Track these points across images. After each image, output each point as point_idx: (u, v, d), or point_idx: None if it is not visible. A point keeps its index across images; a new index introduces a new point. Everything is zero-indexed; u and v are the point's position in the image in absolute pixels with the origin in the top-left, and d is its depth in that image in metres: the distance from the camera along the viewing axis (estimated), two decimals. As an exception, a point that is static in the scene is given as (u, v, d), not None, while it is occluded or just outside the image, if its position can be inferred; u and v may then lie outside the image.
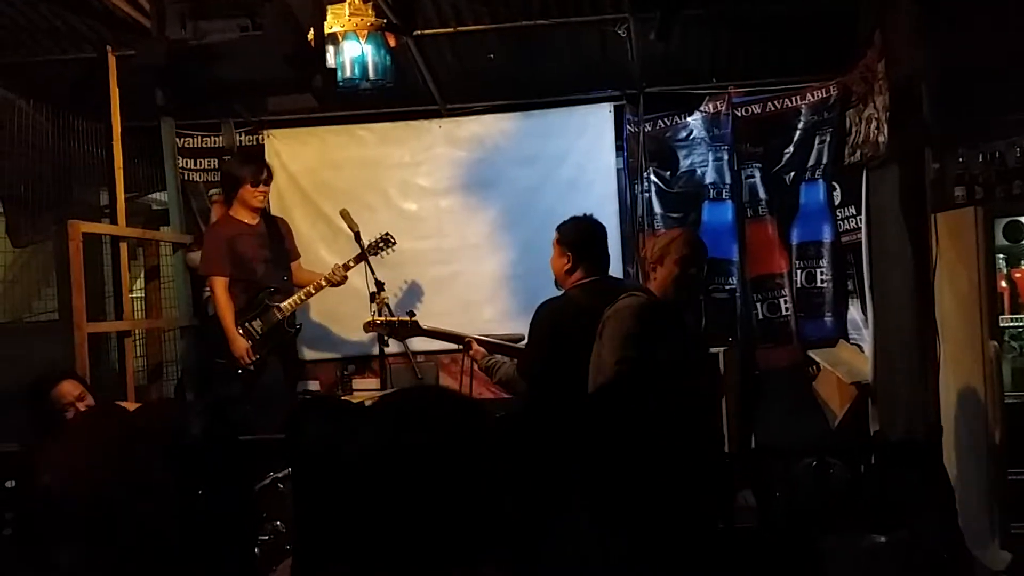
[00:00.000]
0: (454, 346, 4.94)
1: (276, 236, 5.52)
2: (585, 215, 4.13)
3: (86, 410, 3.78)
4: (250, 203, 5.38)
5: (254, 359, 5.25)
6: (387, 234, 5.53)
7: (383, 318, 5.07)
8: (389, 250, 5.53)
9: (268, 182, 5.47)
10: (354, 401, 5.40)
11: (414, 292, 6.24)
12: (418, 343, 6.04)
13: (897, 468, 3.79)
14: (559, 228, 4.10)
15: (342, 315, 6.29)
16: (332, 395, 6.30)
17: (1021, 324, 4.23)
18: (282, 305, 5.35)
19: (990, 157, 4.07)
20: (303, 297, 5.41)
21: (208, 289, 5.55)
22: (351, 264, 5.44)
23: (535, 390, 3.96)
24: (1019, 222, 4.19)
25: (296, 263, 5.68)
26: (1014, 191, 4.00)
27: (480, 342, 4.50)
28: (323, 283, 5.40)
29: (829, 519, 3.61)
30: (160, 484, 1.61)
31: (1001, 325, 4.03)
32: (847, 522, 3.51)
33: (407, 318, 5.01)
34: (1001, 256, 4.19)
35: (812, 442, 5.05)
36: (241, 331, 5.25)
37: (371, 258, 5.47)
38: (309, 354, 6.46)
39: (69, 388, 3.95)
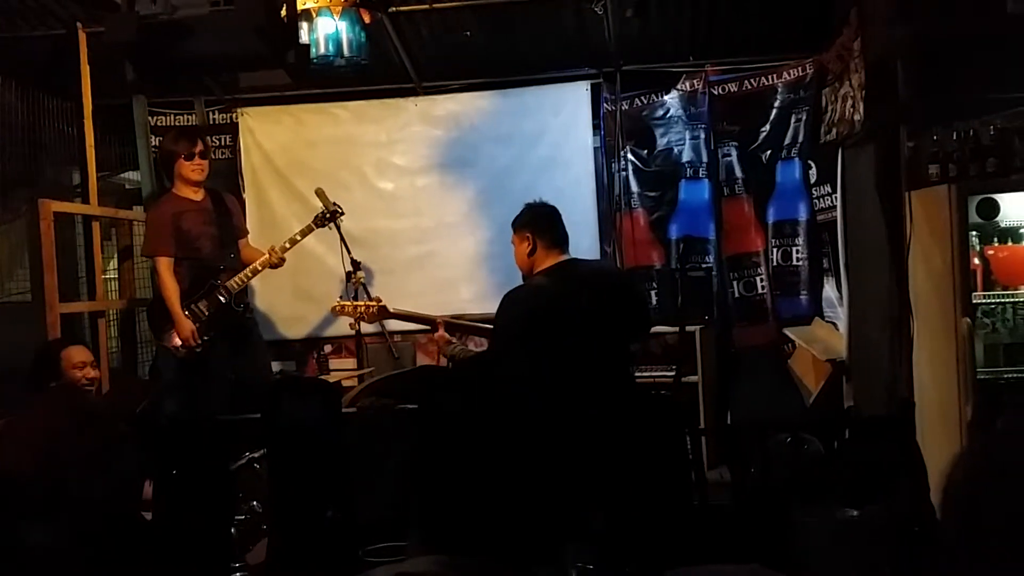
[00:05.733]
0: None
1: (223, 212, 5.32)
2: (537, 200, 4.06)
3: (48, 391, 3.79)
4: (188, 177, 5.17)
5: (200, 341, 5.09)
6: (335, 204, 5.30)
7: (350, 303, 5.00)
8: (338, 220, 5.29)
9: (205, 155, 5.24)
10: (330, 381, 5.40)
11: (390, 272, 6.21)
12: (395, 322, 6.04)
13: (870, 444, 3.82)
14: (513, 221, 4.03)
15: (318, 295, 6.27)
16: (307, 375, 6.29)
17: (994, 301, 4.27)
18: (227, 284, 5.16)
19: (964, 135, 4.07)
20: (249, 275, 5.21)
21: None
22: (298, 238, 5.27)
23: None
24: (992, 200, 4.23)
25: (243, 240, 5.47)
26: (988, 169, 4.02)
27: (449, 325, 4.45)
28: (271, 259, 5.20)
29: (803, 494, 3.63)
30: (121, 464, 1.59)
31: (974, 302, 4.07)
32: (821, 496, 3.54)
33: (373, 303, 4.96)
34: (974, 233, 4.22)
35: (787, 418, 5.08)
36: (187, 312, 5.08)
37: (321, 232, 5.33)
38: (285, 335, 6.44)
39: (79, 352, 4.01)
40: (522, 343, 3.73)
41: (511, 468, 1.26)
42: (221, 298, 5.13)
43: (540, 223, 3.94)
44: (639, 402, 3.90)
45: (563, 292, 3.77)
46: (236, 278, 5.15)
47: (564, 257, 3.91)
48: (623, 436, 3.45)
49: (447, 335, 4.37)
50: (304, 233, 5.29)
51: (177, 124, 6.47)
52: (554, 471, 1.31)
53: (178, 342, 5.09)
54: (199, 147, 5.21)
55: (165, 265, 5.09)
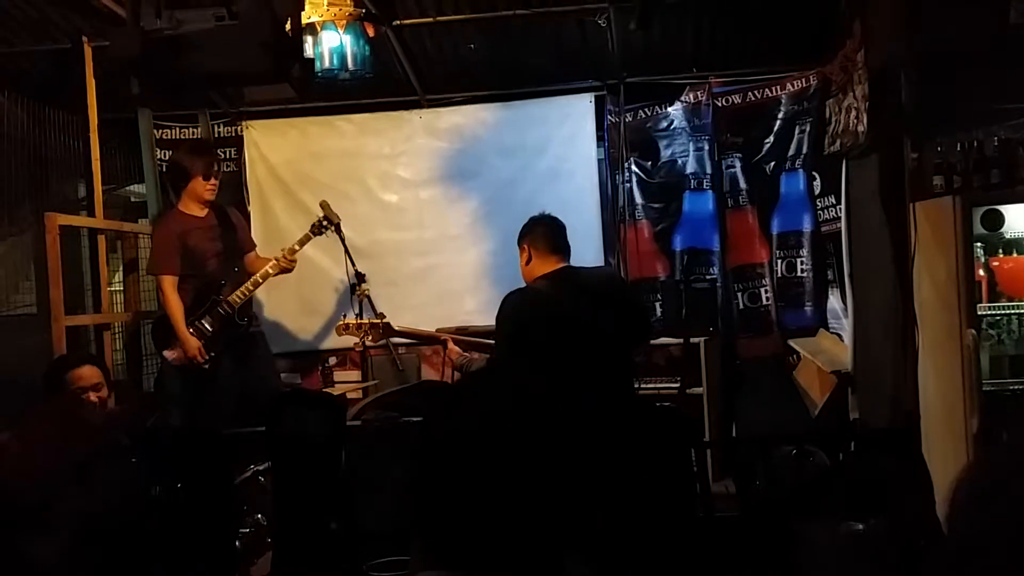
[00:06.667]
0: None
1: (228, 227, 5.29)
2: (541, 213, 4.12)
3: (49, 403, 3.74)
4: (202, 197, 5.17)
5: (208, 357, 5.06)
6: (336, 216, 5.23)
7: (354, 322, 4.98)
8: (341, 232, 5.24)
9: (219, 175, 5.26)
10: (335, 394, 5.39)
11: (394, 283, 6.21)
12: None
13: (875, 456, 3.81)
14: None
15: (322, 308, 6.29)
16: (311, 388, 6.29)
17: (999, 312, 4.26)
18: (229, 298, 5.12)
19: (968, 146, 4.08)
20: (251, 288, 5.17)
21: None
22: (296, 248, 5.21)
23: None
24: (997, 211, 4.21)
25: (252, 254, 5.45)
26: (992, 180, 4.02)
27: (456, 341, 4.47)
28: (270, 271, 5.15)
29: (808, 506, 3.62)
30: (119, 477, 1.59)
31: (979, 313, 4.05)
32: (826, 509, 3.53)
33: (378, 320, 4.95)
34: (979, 244, 4.20)
35: (792, 430, 5.07)
36: (192, 330, 5.05)
37: (326, 244, 5.34)
38: (290, 347, 6.44)
39: (88, 373, 3.88)
40: (513, 347, 3.78)
41: (513, 481, 1.26)
42: (224, 313, 5.12)
43: (534, 233, 4.02)
44: (643, 414, 3.89)
45: (555, 296, 3.80)
46: (238, 292, 5.12)
47: (560, 265, 3.95)
48: (626, 447, 3.44)
49: (458, 348, 4.40)
50: (302, 242, 5.25)
51: (182, 137, 6.49)
52: (557, 483, 1.31)
53: (172, 355, 5.07)
54: (217, 167, 5.23)
55: (169, 283, 5.08)
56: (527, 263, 4.01)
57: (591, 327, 3.73)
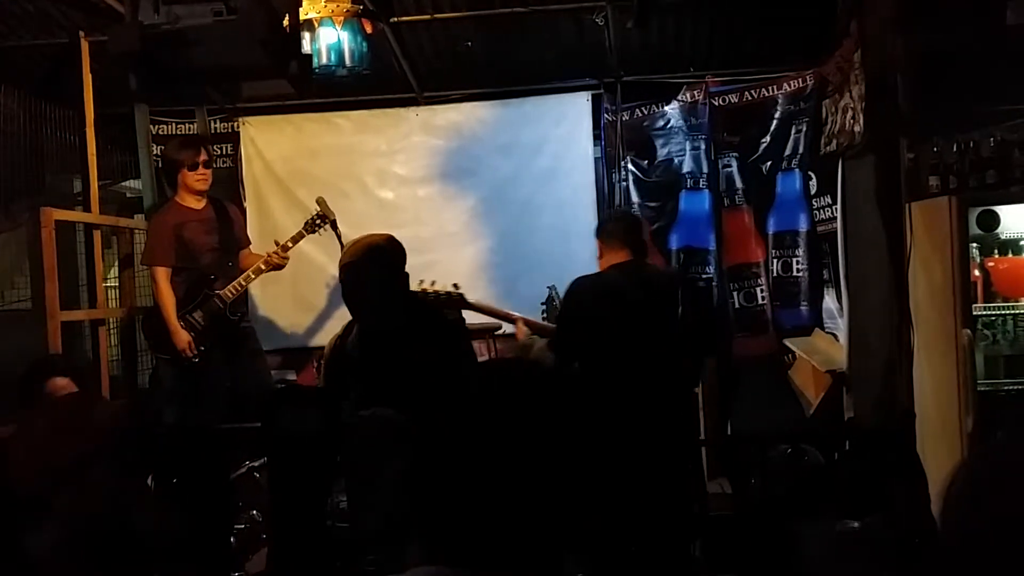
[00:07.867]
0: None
1: (224, 221, 5.29)
2: (619, 208, 4.34)
3: (50, 401, 3.73)
4: (192, 187, 5.17)
5: (197, 351, 5.07)
6: (331, 213, 5.26)
7: (431, 288, 4.86)
8: (337, 229, 5.26)
9: (208, 164, 5.24)
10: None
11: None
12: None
13: (871, 455, 3.82)
14: None
15: (317, 304, 6.28)
16: (306, 385, 6.28)
17: (994, 313, 4.27)
18: (222, 293, 5.11)
19: (964, 147, 4.10)
20: (243, 283, 5.17)
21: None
22: (289, 244, 5.21)
23: (566, 363, 4.07)
24: (993, 211, 4.23)
25: (246, 250, 5.43)
26: (988, 180, 4.04)
27: (528, 323, 4.63)
28: (263, 267, 5.15)
29: (804, 505, 3.63)
30: (117, 474, 1.59)
31: (974, 313, 4.07)
32: (821, 508, 3.54)
33: (452, 290, 4.88)
34: (975, 245, 4.22)
35: (787, 430, 5.08)
36: (183, 323, 5.05)
37: (322, 241, 5.34)
38: (284, 343, 6.43)
39: (62, 384, 3.89)
40: (568, 328, 4.07)
41: (513, 477, 1.27)
42: (216, 307, 5.12)
43: (605, 228, 4.28)
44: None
45: (614, 285, 3.94)
46: (231, 286, 5.11)
47: (623, 259, 4.12)
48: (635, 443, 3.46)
49: (527, 329, 4.56)
50: (295, 239, 5.25)
51: (179, 133, 6.48)
52: (558, 481, 1.31)
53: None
54: (203, 156, 5.21)
55: (163, 275, 5.08)
56: (600, 257, 4.21)
57: (642, 319, 3.87)
